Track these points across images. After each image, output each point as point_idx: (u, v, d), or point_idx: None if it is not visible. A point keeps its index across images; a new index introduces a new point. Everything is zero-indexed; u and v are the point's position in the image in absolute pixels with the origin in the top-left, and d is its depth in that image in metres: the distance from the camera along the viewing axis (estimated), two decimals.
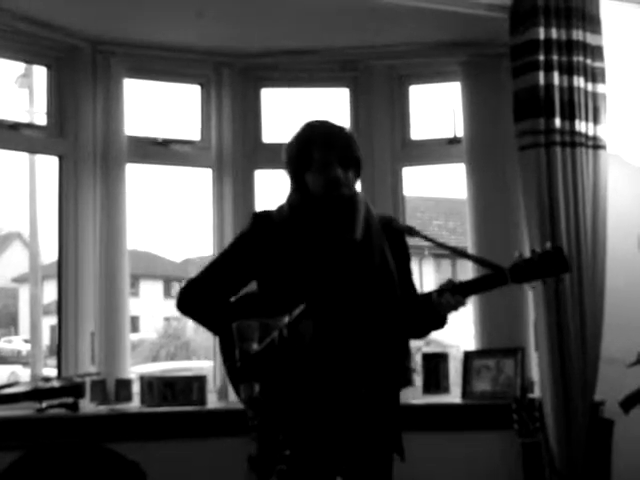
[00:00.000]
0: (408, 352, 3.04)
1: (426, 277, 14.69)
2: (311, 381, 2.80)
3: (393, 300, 2.90)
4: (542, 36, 4.03)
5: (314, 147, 2.91)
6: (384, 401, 2.92)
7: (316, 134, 2.96)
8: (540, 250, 2.81)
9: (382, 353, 2.88)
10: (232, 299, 3.01)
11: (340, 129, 2.98)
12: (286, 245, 2.91)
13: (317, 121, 3.02)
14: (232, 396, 3.02)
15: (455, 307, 2.84)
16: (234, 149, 4.69)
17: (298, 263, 2.88)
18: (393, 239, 3.01)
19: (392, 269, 2.97)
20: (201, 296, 2.98)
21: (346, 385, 2.83)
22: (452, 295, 2.81)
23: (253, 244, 2.96)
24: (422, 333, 3.07)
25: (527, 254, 2.81)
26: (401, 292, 2.95)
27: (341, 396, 2.83)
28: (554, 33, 4.04)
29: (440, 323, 2.97)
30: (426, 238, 2.98)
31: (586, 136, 4.05)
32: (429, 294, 2.86)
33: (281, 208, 3.01)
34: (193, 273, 3.07)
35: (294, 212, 2.97)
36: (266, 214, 3.02)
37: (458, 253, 3.15)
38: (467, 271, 4.67)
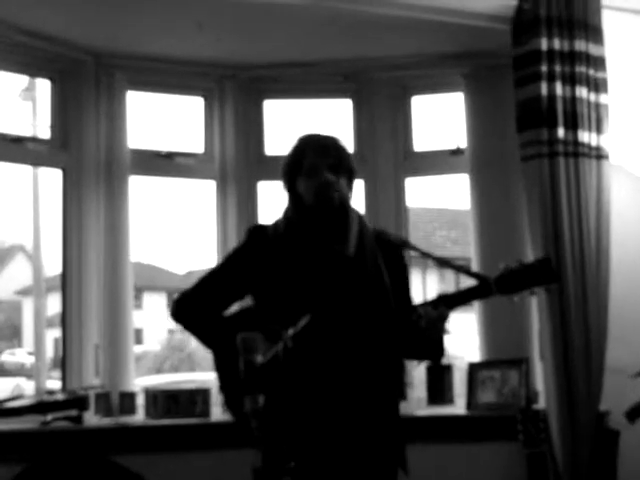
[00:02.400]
0: (403, 366, 3.04)
1: (430, 288, 14.69)
2: (310, 395, 2.81)
3: (387, 314, 2.89)
4: (544, 47, 4.03)
5: (305, 154, 2.96)
6: (383, 414, 2.91)
7: (307, 143, 3.01)
8: (528, 261, 2.87)
9: (378, 366, 2.88)
10: (227, 313, 3.02)
11: (332, 139, 3.02)
12: (280, 260, 2.91)
13: (310, 133, 3.07)
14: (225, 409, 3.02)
15: (439, 319, 2.84)
16: (237, 161, 4.70)
17: (291, 279, 2.88)
18: (388, 252, 3.00)
19: (386, 283, 2.95)
20: (196, 307, 2.98)
21: (343, 399, 2.82)
22: (435, 307, 2.83)
23: (249, 258, 2.97)
24: (418, 355, 3.07)
25: (513, 264, 2.85)
26: (398, 306, 2.93)
27: (338, 410, 2.82)
28: (556, 44, 4.04)
29: (437, 351, 2.97)
30: (416, 249, 2.99)
31: (589, 146, 4.05)
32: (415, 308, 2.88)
33: (277, 222, 3.03)
34: (190, 284, 3.05)
35: (288, 226, 2.98)
36: (262, 228, 3.03)
37: (447, 264, 3.14)
38: (470, 282, 4.67)
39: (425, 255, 2.97)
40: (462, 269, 2.99)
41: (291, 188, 3.00)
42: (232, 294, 3.02)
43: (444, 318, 2.85)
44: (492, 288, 2.85)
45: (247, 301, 3.06)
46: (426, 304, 2.87)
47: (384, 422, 2.90)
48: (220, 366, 2.99)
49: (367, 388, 2.86)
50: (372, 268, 2.95)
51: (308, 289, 2.87)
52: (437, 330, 2.87)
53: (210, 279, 3.04)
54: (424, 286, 14.43)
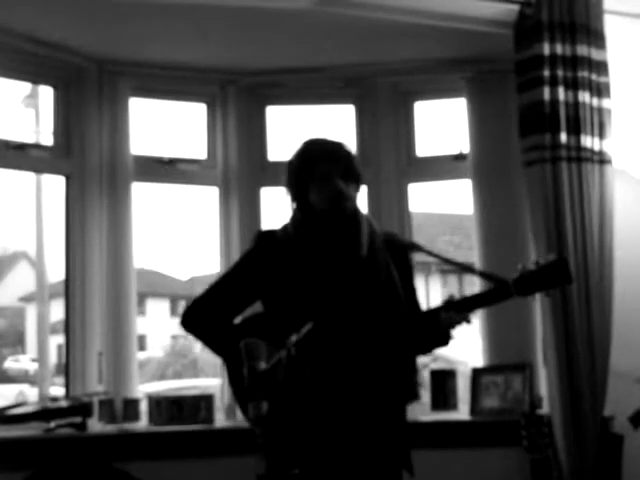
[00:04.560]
0: (415, 367, 3.03)
1: (433, 293, 14.67)
2: (319, 399, 2.80)
3: (400, 316, 2.92)
4: (547, 51, 4.03)
5: (316, 161, 2.95)
6: (392, 417, 2.92)
7: (317, 149, 3.00)
8: (544, 261, 2.85)
9: (389, 369, 2.88)
10: (238, 320, 3.02)
11: (340, 145, 3.02)
12: (292, 264, 2.91)
13: (316, 138, 3.06)
14: (240, 415, 3.02)
15: (459, 323, 2.88)
16: (240, 167, 4.70)
17: (305, 282, 2.89)
18: (396, 255, 3.03)
19: (398, 285, 2.98)
20: (206, 315, 2.99)
21: (354, 402, 2.82)
22: (457, 312, 2.86)
23: (258, 263, 2.97)
24: (427, 349, 3.08)
25: (531, 265, 2.84)
26: (407, 305, 2.97)
27: (349, 414, 2.82)
28: (559, 48, 4.05)
29: (444, 340, 2.99)
30: (430, 253, 3.01)
31: (592, 151, 4.05)
32: (435, 311, 2.89)
33: (285, 227, 3.02)
34: (200, 291, 3.06)
35: (298, 230, 2.98)
36: (270, 233, 3.03)
37: (463, 268, 3.19)
38: (474, 287, 4.66)
39: (436, 256, 2.99)
40: (481, 272, 3.02)
41: (300, 195, 3.00)
42: (243, 300, 3.02)
43: (464, 322, 2.88)
44: (511, 290, 2.84)
45: (258, 307, 3.06)
46: (449, 307, 2.87)
47: (391, 426, 2.91)
48: (233, 375, 2.97)
49: (376, 392, 2.86)
50: (384, 269, 2.96)
51: (323, 290, 2.87)
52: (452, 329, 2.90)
53: (220, 286, 3.04)
54: (427, 291, 14.41)
